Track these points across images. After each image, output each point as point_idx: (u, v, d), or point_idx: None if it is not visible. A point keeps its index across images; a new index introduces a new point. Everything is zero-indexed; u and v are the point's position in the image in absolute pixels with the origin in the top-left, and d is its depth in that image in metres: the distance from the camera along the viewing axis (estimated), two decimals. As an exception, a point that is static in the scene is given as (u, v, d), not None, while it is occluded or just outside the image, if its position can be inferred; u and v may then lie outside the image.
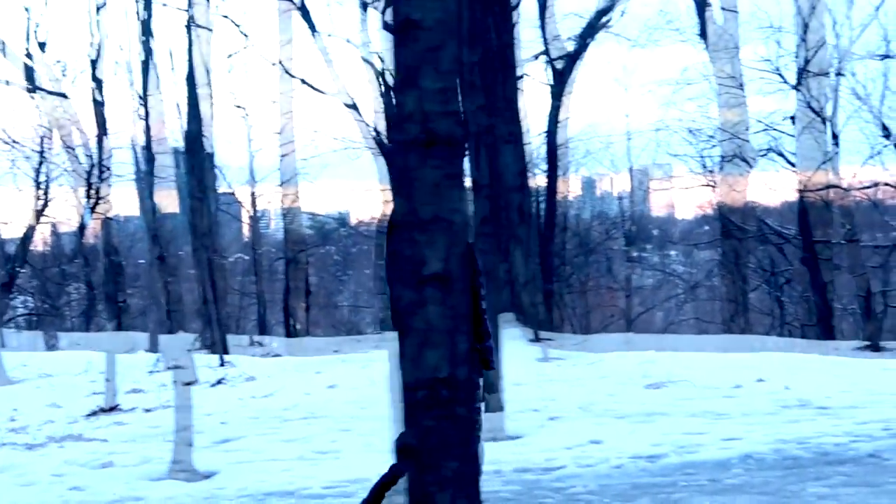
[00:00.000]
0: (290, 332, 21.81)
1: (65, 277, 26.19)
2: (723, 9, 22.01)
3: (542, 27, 22.16)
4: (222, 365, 11.93)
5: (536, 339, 10.61)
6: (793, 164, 22.17)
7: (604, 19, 22.17)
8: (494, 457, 5.90)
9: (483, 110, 10.35)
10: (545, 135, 22.74)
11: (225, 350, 12.06)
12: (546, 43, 22.34)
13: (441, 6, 1.75)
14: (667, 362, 8.99)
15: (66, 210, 21.25)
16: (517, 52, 19.27)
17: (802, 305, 21.73)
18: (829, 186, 21.52)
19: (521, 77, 11.07)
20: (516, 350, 10.51)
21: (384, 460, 6.21)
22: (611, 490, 5.08)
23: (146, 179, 21.35)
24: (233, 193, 26.01)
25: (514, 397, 7.86)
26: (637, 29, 22.84)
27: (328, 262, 38.05)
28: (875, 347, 9.61)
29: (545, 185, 23.59)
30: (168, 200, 17.31)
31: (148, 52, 14.63)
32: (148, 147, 19.25)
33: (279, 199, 23.92)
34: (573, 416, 6.94)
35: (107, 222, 24.65)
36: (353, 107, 23.79)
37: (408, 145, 1.79)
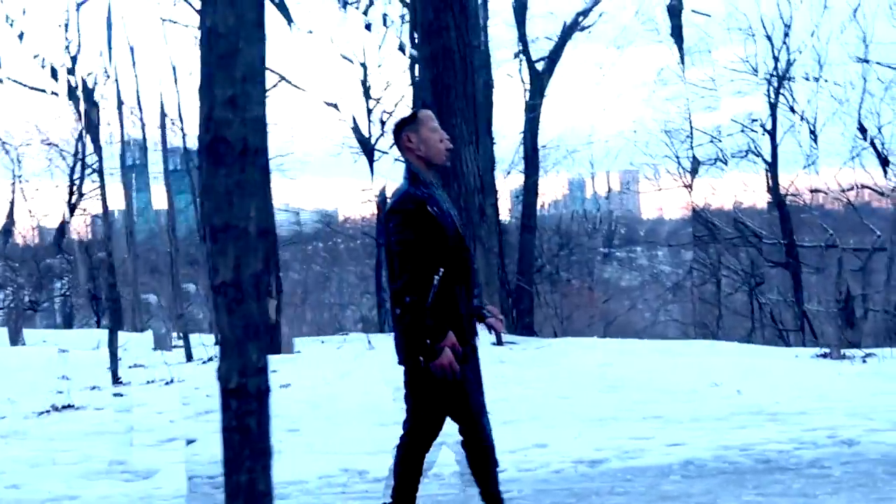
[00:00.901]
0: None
1: (44, 274, 26.09)
2: (694, 11, 22.17)
3: (520, 28, 22.24)
4: (190, 360, 11.95)
5: (499, 343, 10.56)
6: (772, 166, 22.31)
7: (582, 20, 22.29)
8: (438, 459, 5.90)
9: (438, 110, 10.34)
10: (522, 135, 22.86)
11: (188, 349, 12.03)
12: (524, 43, 22.43)
13: (234, 13, 1.71)
14: (626, 365, 8.98)
15: (50, 206, 21.17)
16: (490, 51, 19.39)
17: (777, 309, 21.86)
18: (814, 191, 21.69)
19: (479, 76, 11.03)
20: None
21: (328, 461, 6.20)
22: (546, 496, 5.06)
23: (125, 176, 21.32)
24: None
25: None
26: (614, 31, 23.02)
27: (317, 259, 38.02)
28: (836, 354, 9.60)
29: (522, 185, 23.69)
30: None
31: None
32: (122, 144, 19.23)
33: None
34: (523, 420, 6.91)
35: (93, 219, 24.57)
36: (334, 105, 23.79)
37: (201, 151, 1.77)
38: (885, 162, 20.22)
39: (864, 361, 9.31)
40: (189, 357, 11.99)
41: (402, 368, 3.96)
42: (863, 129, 20.26)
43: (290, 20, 19.95)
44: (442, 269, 3.71)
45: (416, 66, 14.61)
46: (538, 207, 24.60)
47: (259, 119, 1.68)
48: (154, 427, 7.27)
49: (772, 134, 22.04)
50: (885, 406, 7.15)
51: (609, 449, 5.96)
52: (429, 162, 3.85)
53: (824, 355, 9.79)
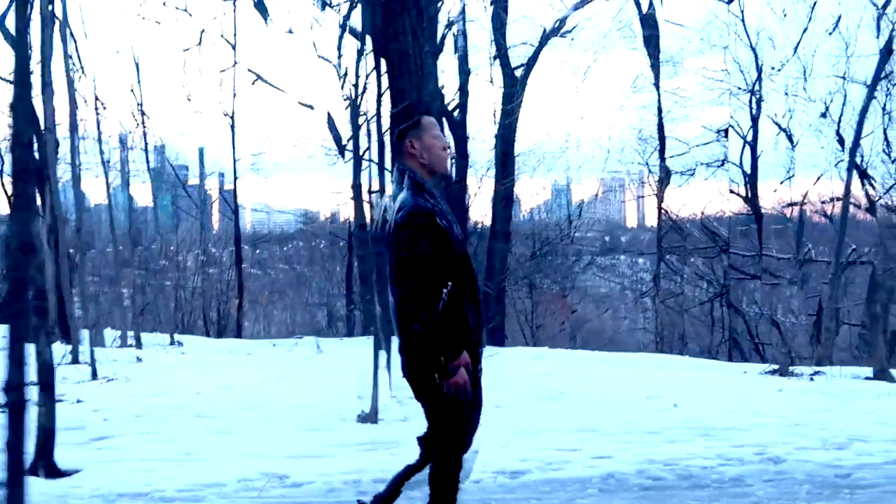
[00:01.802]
0: (221, 332, 21.66)
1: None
2: (667, 21, 22.27)
3: (496, 33, 22.26)
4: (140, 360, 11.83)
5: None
6: (751, 177, 22.41)
7: (560, 26, 22.34)
8: (368, 465, 5.86)
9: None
10: (495, 140, 22.86)
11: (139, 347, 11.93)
12: (501, 48, 22.45)
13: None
14: (568, 376, 8.97)
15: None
16: (468, 56, 19.39)
17: (749, 322, 21.91)
18: (791, 204, 21.79)
19: (431, 79, 10.97)
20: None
21: (250, 464, 6.14)
22: (460, 506, 5.01)
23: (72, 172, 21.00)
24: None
25: (413, 406, 7.81)
26: (591, 39, 23.07)
27: (297, 259, 37.81)
28: (783, 371, 9.63)
29: (494, 190, 23.69)
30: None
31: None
32: (72, 136, 19.08)
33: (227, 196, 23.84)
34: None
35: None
36: (309, 106, 23.67)
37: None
38: (863, 175, 20.32)
39: (812, 379, 9.34)
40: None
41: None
42: (841, 141, 20.37)
43: (265, 15, 19.77)
44: (450, 283, 3.63)
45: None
46: (520, 213, 24.61)
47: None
48: (87, 424, 7.19)
49: (752, 145, 22.14)
50: (819, 424, 7.16)
51: (533, 460, 5.93)
52: (431, 169, 3.79)
53: (773, 371, 9.81)
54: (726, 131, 21.02)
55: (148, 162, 20.86)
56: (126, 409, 7.79)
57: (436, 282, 3.58)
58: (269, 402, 7.78)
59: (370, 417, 6.94)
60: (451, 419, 3.80)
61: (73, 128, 11.82)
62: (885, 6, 16.16)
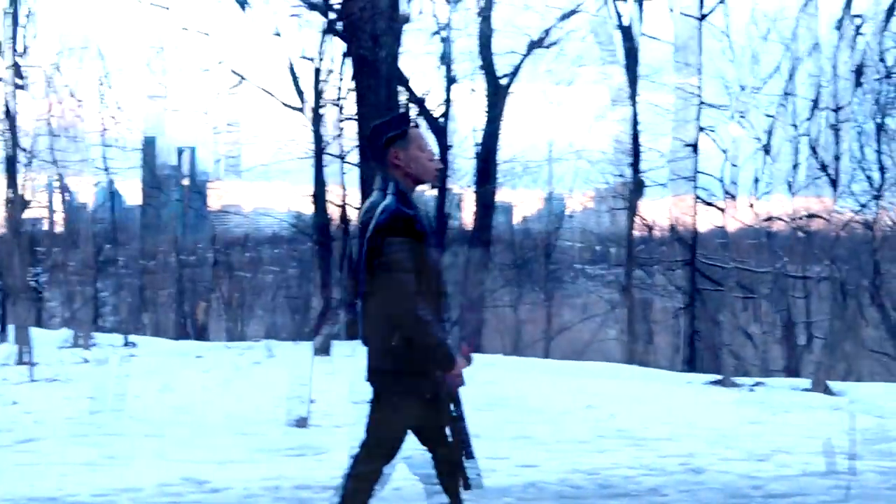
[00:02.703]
0: (183, 335, 21.50)
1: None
2: (644, 35, 22.40)
3: (481, 41, 22.32)
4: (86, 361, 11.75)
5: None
6: (726, 191, 22.58)
7: (545, 37, 22.43)
8: (291, 472, 5.86)
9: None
10: (476, 148, 22.93)
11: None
12: (484, 58, 22.51)
13: None
14: (510, 384, 8.98)
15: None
16: (453, 64, 19.41)
17: (715, 335, 22.03)
18: (767, 218, 21.94)
19: (397, 88, 11.02)
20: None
21: (173, 469, 6.10)
22: (373, 514, 5.01)
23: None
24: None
25: (345, 414, 7.81)
26: (576, 50, 23.10)
27: (288, 262, 37.58)
28: (725, 382, 9.70)
29: (475, 198, 23.75)
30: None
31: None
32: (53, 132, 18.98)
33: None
34: (383, 436, 6.86)
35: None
36: (294, 108, 23.58)
37: None
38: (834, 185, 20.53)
39: (752, 390, 9.41)
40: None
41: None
42: (819, 159, 20.56)
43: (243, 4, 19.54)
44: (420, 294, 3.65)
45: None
46: (513, 221, 24.72)
47: None
48: (16, 427, 7.14)
49: (730, 159, 22.32)
50: (749, 435, 7.24)
51: (458, 468, 5.91)
52: (416, 179, 3.81)
53: (716, 382, 9.88)
54: (695, 146, 21.17)
55: (144, 160, 20.86)
56: (59, 411, 7.73)
57: (413, 287, 3.61)
58: (205, 407, 7.75)
59: (302, 423, 6.92)
60: (395, 432, 3.93)
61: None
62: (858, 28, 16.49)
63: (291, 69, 16.21)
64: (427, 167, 3.83)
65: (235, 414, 7.51)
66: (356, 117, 12.52)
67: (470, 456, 4.08)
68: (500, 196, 24.04)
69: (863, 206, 19.12)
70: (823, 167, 20.44)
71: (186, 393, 8.36)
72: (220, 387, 8.65)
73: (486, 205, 23.48)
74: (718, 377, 10.15)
